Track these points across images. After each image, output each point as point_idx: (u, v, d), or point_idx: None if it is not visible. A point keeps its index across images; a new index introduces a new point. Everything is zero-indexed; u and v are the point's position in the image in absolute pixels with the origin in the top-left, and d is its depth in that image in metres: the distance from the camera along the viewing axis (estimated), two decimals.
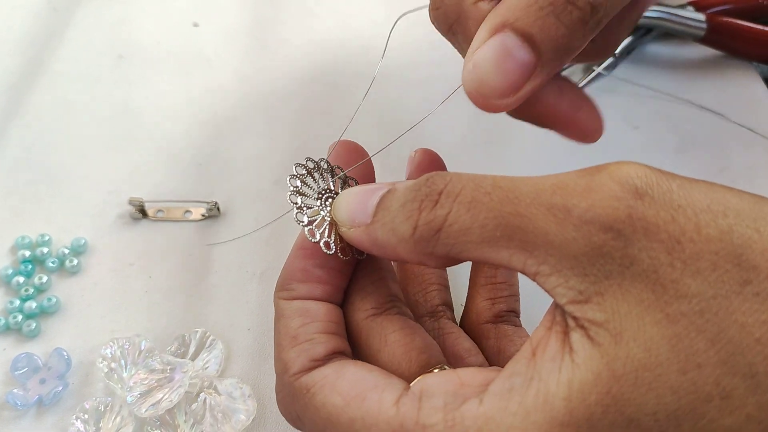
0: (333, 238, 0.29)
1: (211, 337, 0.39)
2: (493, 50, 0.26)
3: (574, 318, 0.22)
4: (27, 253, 0.42)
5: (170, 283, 0.42)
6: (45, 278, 0.41)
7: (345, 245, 0.29)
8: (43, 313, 0.40)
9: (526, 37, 0.25)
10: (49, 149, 0.48)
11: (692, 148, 0.48)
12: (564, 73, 0.50)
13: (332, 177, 0.30)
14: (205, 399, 0.36)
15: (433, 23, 0.30)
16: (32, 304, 0.40)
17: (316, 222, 0.29)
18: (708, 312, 0.20)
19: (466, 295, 0.36)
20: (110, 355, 0.38)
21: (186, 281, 0.42)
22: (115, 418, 0.36)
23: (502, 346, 0.33)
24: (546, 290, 0.23)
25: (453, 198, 0.24)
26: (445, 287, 0.35)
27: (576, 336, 0.22)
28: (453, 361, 0.31)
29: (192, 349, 0.38)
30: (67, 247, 0.43)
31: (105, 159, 0.48)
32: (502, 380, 0.23)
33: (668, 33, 0.53)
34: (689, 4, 0.54)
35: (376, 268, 0.31)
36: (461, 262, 0.25)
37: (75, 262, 0.42)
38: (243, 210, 0.45)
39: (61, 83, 0.52)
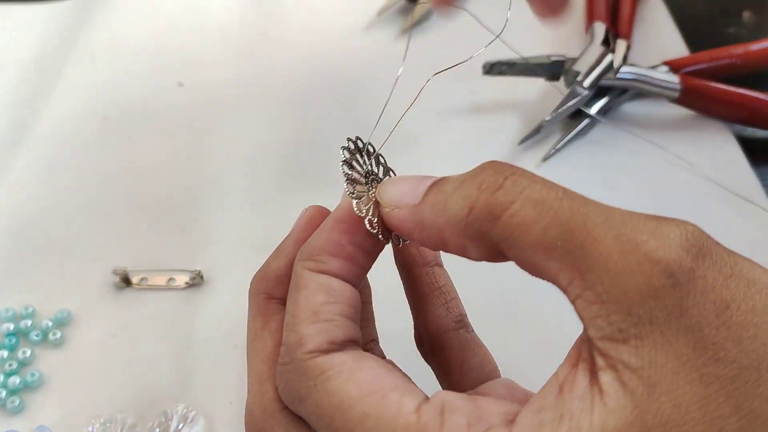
0: (376, 219, 0.28)
1: (193, 412, 0.39)
2: None
3: (606, 356, 0.22)
4: (11, 327, 0.43)
5: (153, 354, 0.42)
6: (28, 352, 0.42)
7: (385, 229, 0.28)
8: (27, 388, 0.41)
9: None
10: (33, 217, 0.49)
11: (667, 210, 0.48)
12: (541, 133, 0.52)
13: (377, 164, 0.30)
14: None
15: None
16: (16, 380, 0.40)
17: (362, 199, 0.28)
18: (739, 380, 0.21)
19: (413, 308, 0.35)
20: None
21: (169, 352, 0.43)
22: None
23: (465, 356, 0.33)
24: (582, 318, 0.22)
25: (520, 189, 0.23)
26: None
27: (607, 378, 0.22)
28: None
29: (174, 425, 0.39)
30: (50, 319, 0.43)
31: (89, 225, 0.48)
32: (531, 414, 0.23)
33: (643, 94, 0.54)
34: (664, 63, 0.55)
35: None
36: (505, 258, 0.24)
37: (58, 334, 0.42)
38: (226, 278, 0.46)
39: (46, 148, 0.53)
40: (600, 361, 0.22)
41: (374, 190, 0.28)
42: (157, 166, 0.52)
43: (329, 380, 0.24)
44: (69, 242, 0.48)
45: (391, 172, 0.31)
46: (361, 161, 0.29)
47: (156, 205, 0.50)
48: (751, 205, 0.48)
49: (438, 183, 0.26)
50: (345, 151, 0.29)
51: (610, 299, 0.22)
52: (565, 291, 0.23)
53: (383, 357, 0.30)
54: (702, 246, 0.22)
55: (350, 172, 0.28)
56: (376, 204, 0.28)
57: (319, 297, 0.27)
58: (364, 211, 0.27)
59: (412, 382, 0.26)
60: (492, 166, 0.24)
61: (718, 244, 0.22)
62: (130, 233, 0.48)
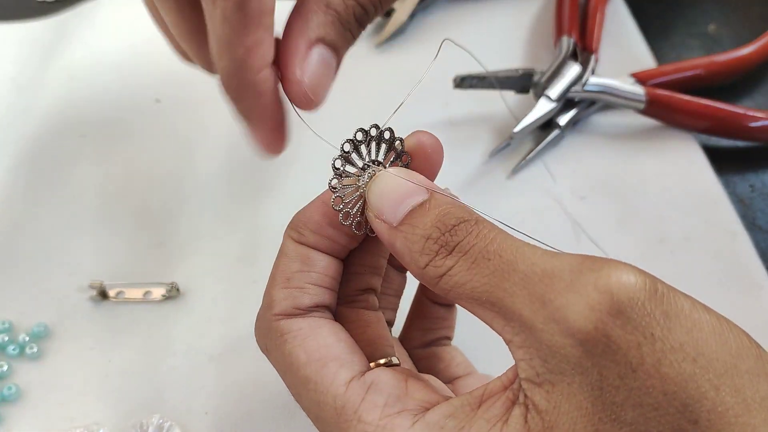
0: (355, 209, 0.30)
1: (168, 423, 0.40)
2: (318, 65, 0.31)
3: (525, 395, 0.24)
4: None
5: (129, 366, 0.43)
6: (6, 366, 0.42)
7: (363, 220, 0.30)
8: (4, 401, 0.41)
9: (334, 48, 0.31)
10: (10, 231, 0.49)
11: (634, 218, 0.50)
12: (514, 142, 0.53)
13: (389, 149, 0.31)
14: None
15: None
16: None
17: (349, 190, 0.30)
18: None
19: (406, 317, 0.38)
20: None
21: (145, 365, 0.43)
22: None
23: (431, 365, 0.36)
24: (514, 358, 0.25)
25: (462, 253, 0.26)
26: (377, 274, 0.34)
27: (516, 412, 0.24)
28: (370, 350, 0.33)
29: None
30: (27, 333, 0.44)
31: (66, 240, 0.49)
32: (440, 416, 0.25)
33: (610, 105, 0.55)
34: (630, 75, 0.56)
35: (357, 263, 0.33)
36: (455, 303, 0.28)
37: (35, 348, 0.43)
38: (202, 290, 0.46)
39: (24, 164, 0.53)
40: (520, 396, 0.24)
41: (365, 184, 0.30)
42: (133, 181, 0.53)
43: (285, 343, 0.29)
44: (46, 256, 0.48)
45: (404, 157, 0.31)
46: (366, 151, 0.31)
47: (132, 219, 0.50)
48: (716, 212, 0.50)
49: (414, 214, 0.28)
50: (348, 143, 0.30)
51: (531, 346, 0.24)
52: (500, 335, 0.25)
53: (375, 307, 0.32)
54: (617, 303, 0.22)
55: (340, 167, 0.30)
56: (363, 197, 0.30)
57: (294, 265, 0.30)
58: (341, 204, 0.30)
59: (357, 354, 0.29)
60: (456, 229, 0.26)
61: (653, 297, 0.22)
62: (106, 247, 0.49)
